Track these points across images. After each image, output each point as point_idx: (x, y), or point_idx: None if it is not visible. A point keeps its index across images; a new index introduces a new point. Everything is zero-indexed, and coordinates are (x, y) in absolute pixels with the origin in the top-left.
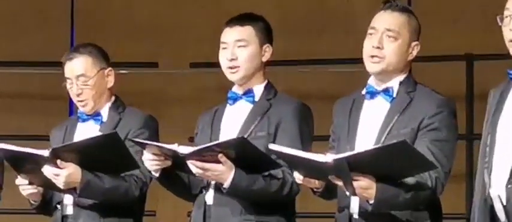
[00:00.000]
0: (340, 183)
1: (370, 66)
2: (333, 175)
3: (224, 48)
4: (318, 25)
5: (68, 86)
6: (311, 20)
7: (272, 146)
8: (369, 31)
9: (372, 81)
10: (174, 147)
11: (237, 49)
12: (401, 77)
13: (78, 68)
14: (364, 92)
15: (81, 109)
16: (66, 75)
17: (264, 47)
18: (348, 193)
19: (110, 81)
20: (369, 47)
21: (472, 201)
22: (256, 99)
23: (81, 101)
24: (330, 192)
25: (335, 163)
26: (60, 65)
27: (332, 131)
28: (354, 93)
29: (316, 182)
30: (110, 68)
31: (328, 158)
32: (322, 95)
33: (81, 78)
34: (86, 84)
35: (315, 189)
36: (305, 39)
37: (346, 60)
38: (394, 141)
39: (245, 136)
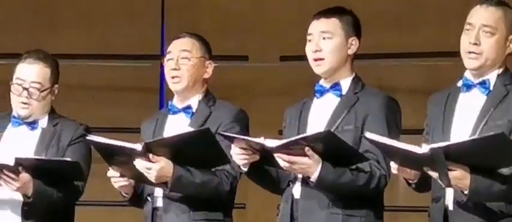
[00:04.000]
0: (435, 174)
1: (468, 62)
2: (428, 167)
3: (310, 40)
4: (409, 19)
5: (166, 61)
6: (402, 14)
7: (368, 135)
8: (466, 27)
9: (468, 74)
10: (261, 140)
11: (322, 41)
12: (499, 70)
13: (185, 45)
14: (459, 84)
15: (172, 86)
16: (170, 49)
17: (350, 39)
18: (442, 185)
19: (208, 72)
20: (466, 43)
21: None
22: (344, 92)
23: (175, 77)
24: (424, 183)
25: (431, 152)
26: (151, 58)
27: (426, 124)
28: (450, 86)
29: (412, 172)
30: (210, 61)
31: (424, 148)
32: (412, 88)
33: (184, 53)
34: (187, 59)
35: (409, 181)
36: (396, 33)
37: (436, 53)
38: (492, 133)
39: (332, 130)
